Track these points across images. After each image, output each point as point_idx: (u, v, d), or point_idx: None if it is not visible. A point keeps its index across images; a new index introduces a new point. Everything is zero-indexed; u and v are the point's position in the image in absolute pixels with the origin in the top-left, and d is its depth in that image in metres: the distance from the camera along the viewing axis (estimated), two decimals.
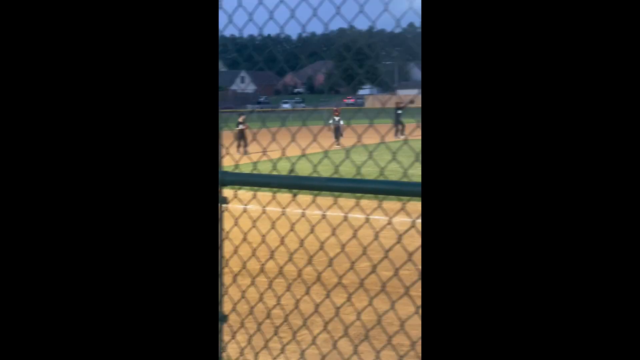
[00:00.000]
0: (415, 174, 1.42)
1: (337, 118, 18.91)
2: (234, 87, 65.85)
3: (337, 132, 17.30)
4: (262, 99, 59.19)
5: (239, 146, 15.42)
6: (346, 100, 41.95)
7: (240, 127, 17.56)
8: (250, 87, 67.79)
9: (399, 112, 18.47)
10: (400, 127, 18.40)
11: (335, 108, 21.81)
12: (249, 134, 15.56)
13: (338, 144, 17.75)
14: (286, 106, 50.15)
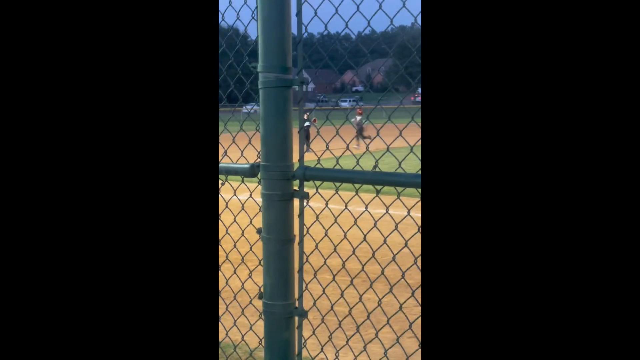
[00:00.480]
0: None
1: (359, 117, 18.46)
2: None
3: (359, 132, 17.01)
4: (320, 97, 60.01)
5: (304, 143, 15.25)
6: (413, 98, 41.53)
7: (307, 124, 17.59)
8: (309, 86, 70.00)
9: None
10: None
11: (358, 107, 21.34)
12: (312, 132, 15.68)
13: (357, 146, 17.67)
14: (345, 104, 50.22)
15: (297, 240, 1.93)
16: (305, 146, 1.98)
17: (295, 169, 1.88)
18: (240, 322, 2.63)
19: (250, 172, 1.92)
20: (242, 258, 2.34)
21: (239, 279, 2.51)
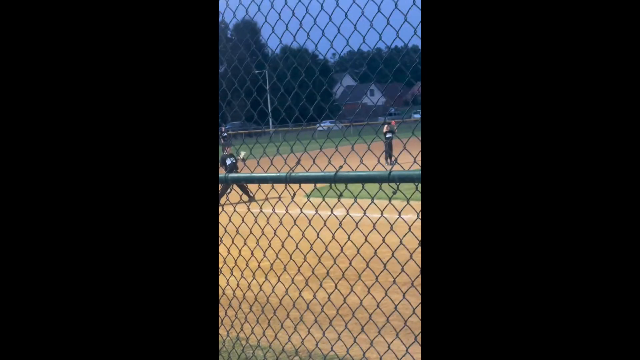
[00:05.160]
0: None
1: (389, 135, 17.13)
2: (364, 100, 66.24)
3: (389, 150, 15.92)
4: (392, 110, 58.81)
5: (388, 157, 14.81)
6: None
7: (388, 135, 16.69)
8: (380, 100, 67.80)
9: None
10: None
11: (386, 123, 20.30)
12: (395, 144, 15.04)
13: (390, 164, 15.65)
14: (417, 116, 48.91)
15: None
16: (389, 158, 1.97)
17: None
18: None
19: None
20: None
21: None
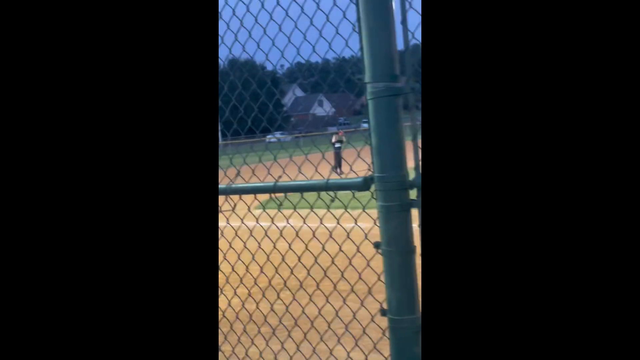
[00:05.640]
0: None
1: (337, 145, 17.54)
2: (312, 111, 67.64)
3: (338, 160, 16.20)
4: (341, 120, 59.09)
5: (337, 166, 14.86)
6: None
7: (337, 145, 17.02)
8: (329, 110, 70.01)
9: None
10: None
11: (334, 133, 20.39)
12: (348, 153, 14.89)
13: (338, 174, 15.80)
14: (366, 125, 48.76)
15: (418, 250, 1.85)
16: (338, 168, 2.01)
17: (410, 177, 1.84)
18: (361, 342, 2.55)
19: (363, 185, 1.89)
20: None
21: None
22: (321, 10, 2.11)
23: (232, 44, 2.39)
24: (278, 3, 2.21)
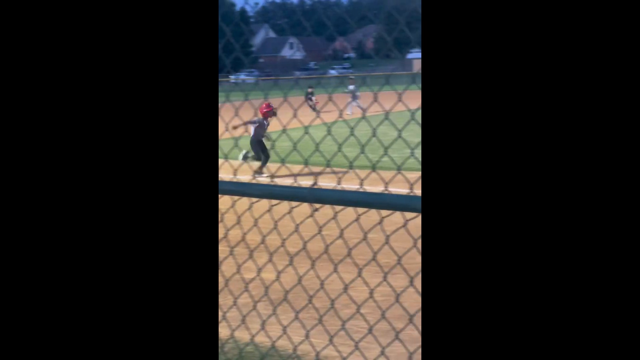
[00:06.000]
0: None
1: (352, 86, 17.86)
2: (282, 53, 65.68)
3: (355, 101, 16.99)
4: (311, 65, 58.83)
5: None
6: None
7: (310, 97, 16.80)
8: (299, 54, 67.33)
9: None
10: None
11: (351, 76, 20.65)
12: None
13: (350, 112, 16.62)
14: (333, 72, 47.35)
15: None
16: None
17: None
18: None
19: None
20: None
21: None
22: None
23: None
24: None
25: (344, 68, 52.42)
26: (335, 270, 2.00)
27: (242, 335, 2.92)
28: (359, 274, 1.91)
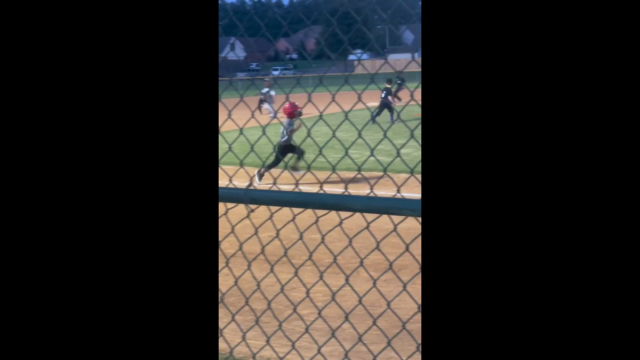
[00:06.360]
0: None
1: (267, 89, 17.88)
2: (223, 54, 59.46)
3: (268, 104, 16.87)
4: (253, 66, 58.79)
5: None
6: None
7: (268, 92, 17.25)
8: (241, 54, 67.40)
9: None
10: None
11: (265, 78, 20.73)
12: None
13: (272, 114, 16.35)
14: (275, 73, 48.17)
15: None
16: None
17: None
18: None
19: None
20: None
21: None
22: None
23: None
24: None
25: (287, 69, 53.97)
26: (271, 270, 2.05)
27: None
28: (295, 274, 1.97)
